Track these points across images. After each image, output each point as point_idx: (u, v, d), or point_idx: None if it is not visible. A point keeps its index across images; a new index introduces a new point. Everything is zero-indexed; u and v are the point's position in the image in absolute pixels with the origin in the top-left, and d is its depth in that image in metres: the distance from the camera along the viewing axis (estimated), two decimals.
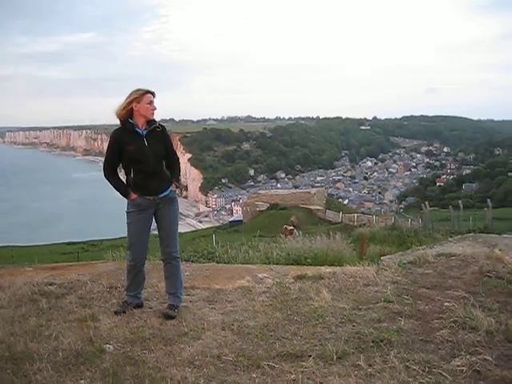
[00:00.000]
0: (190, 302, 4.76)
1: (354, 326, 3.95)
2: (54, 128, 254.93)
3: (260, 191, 71.23)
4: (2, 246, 32.29)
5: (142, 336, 3.91)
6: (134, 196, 4.47)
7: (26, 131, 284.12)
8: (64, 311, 4.55)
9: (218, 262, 8.33)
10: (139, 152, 4.35)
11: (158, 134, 4.50)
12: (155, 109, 4.48)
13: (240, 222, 54.56)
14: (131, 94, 4.41)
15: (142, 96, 4.39)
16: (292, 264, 7.65)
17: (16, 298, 4.97)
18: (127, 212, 4.58)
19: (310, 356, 3.40)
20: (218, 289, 5.17)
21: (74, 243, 42.80)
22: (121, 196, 4.59)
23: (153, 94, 4.48)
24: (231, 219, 67.68)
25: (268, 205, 51.75)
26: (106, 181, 4.58)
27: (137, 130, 4.40)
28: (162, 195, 4.49)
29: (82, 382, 3.21)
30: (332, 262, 7.59)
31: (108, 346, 3.72)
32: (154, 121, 4.49)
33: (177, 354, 3.57)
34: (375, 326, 3.87)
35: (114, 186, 4.57)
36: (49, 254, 30.63)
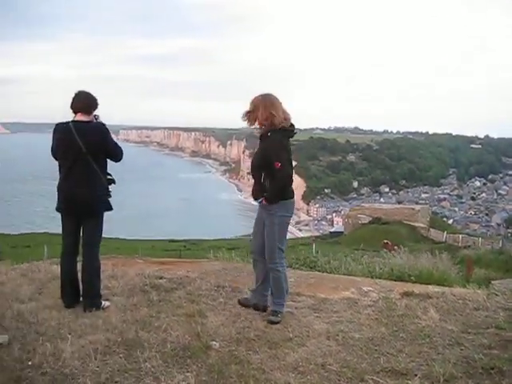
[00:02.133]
0: (296, 308, 4.79)
1: (462, 349, 3.81)
2: (165, 128, 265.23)
3: (363, 204, 70.28)
4: (110, 237, 33.75)
5: (247, 336, 3.99)
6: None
7: (138, 130, 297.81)
8: (173, 305, 4.74)
9: (319, 272, 8.31)
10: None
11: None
12: None
13: (341, 233, 54.13)
14: (271, 99, 4.45)
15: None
16: (395, 280, 7.50)
17: (128, 287, 5.25)
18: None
19: (416, 375, 3.32)
20: (323, 298, 5.17)
21: (175, 241, 44.28)
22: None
23: None
24: (332, 230, 67.28)
25: (370, 218, 50.99)
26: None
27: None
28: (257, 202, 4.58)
29: (189, 374, 3.32)
30: (437, 282, 7.37)
31: (214, 342, 3.83)
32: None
33: (281, 358, 3.62)
34: (485, 353, 3.71)
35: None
36: (151, 249, 31.82)
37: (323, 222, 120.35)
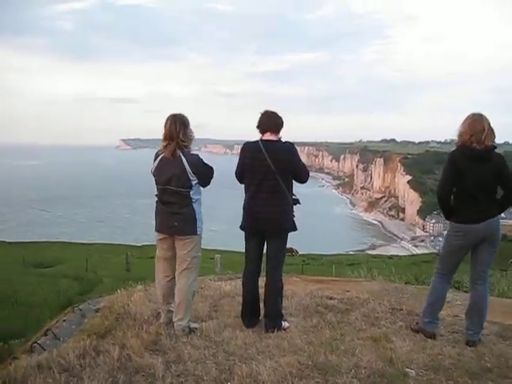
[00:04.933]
0: (487, 335, 4.56)
1: None
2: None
3: None
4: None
5: (442, 364, 3.81)
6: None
7: None
8: (353, 327, 4.65)
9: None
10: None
11: None
12: None
13: None
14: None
15: None
16: None
17: (302, 307, 5.22)
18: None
19: None
20: (508, 324, 4.89)
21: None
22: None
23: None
24: None
25: None
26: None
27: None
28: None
29: None
30: None
31: (410, 370, 3.69)
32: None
33: None
34: None
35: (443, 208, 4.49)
36: None
37: (440, 238, 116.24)
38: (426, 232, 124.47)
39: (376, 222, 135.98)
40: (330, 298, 5.57)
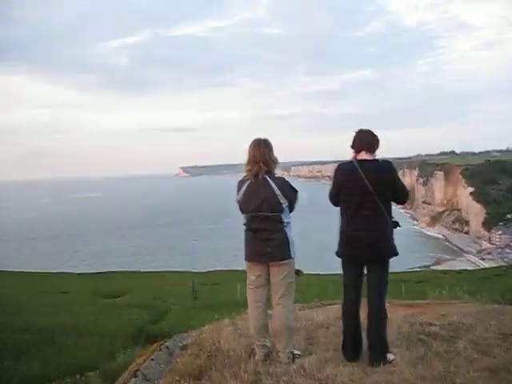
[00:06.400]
0: None
1: None
2: (336, 162, 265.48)
3: None
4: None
5: None
6: None
7: (309, 165, 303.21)
8: (463, 358, 4.25)
9: None
10: None
11: None
12: None
13: None
14: None
15: None
16: None
17: (402, 336, 4.86)
18: None
19: None
20: None
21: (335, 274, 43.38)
22: None
23: None
24: None
25: None
26: None
27: None
28: None
29: None
30: None
31: None
32: None
33: None
34: None
35: None
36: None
37: (507, 250, 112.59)
38: (493, 244, 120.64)
39: (440, 236, 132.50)
40: (430, 324, 5.18)
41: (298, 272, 4.39)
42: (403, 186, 4.34)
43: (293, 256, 4.29)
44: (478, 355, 4.29)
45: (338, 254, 4.36)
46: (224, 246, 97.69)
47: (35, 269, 50.50)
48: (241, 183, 4.34)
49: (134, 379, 4.24)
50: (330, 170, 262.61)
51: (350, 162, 4.26)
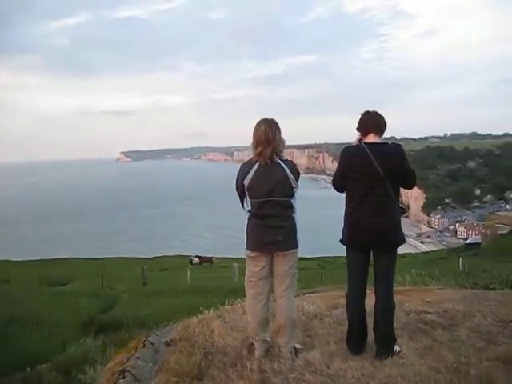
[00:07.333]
0: None
1: None
2: None
3: (499, 213, 66.89)
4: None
5: None
6: None
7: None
8: (470, 346, 4.11)
9: None
10: None
11: None
12: None
13: (477, 244, 51.36)
14: None
15: None
16: None
17: (401, 325, 4.64)
18: None
19: None
20: None
21: (306, 259, 43.66)
22: None
23: None
24: (468, 241, 64.54)
25: (510, 228, 48.04)
26: None
27: None
28: None
29: None
30: None
31: None
32: None
33: None
34: None
35: None
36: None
37: (446, 233, 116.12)
38: (432, 228, 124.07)
39: None
40: (426, 313, 5.04)
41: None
42: (413, 170, 4.12)
43: (299, 244, 4.04)
44: (483, 344, 4.16)
45: (344, 241, 4.10)
46: (172, 231, 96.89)
47: None
48: (247, 166, 3.99)
49: (122, 381, 3.85)
50: None
51: (358, 145, 4.00)
